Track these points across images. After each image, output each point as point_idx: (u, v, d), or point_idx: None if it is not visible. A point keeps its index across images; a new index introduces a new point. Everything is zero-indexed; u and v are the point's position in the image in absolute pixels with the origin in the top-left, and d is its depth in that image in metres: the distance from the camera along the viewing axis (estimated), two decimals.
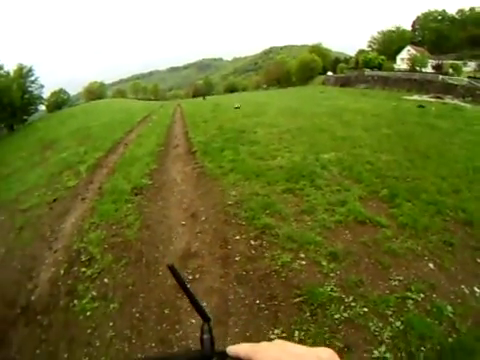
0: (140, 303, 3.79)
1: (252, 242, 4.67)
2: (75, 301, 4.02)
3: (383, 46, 69.51)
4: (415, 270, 3.93)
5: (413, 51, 57.42)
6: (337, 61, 71.59)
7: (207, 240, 4.95)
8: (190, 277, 4.08)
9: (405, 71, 47.96)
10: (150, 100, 69.93)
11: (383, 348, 2.88)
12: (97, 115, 30.09)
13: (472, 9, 69.76)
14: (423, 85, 34.48)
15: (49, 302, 4.17)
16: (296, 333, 3.07)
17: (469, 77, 39.56)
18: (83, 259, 4.87)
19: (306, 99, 27.66)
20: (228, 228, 5.14)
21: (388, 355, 2.81)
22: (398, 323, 3.13)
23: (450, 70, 48.60)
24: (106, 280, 4.29)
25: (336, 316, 3.21)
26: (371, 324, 3.12)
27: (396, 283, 3.69)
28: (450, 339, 2.98)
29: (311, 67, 63.15)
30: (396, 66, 56.93)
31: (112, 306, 3.80)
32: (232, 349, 0.55)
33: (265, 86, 70.96)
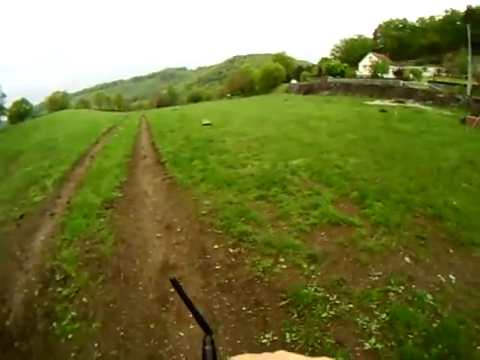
0: (123, 320, 3.63)
1: (231, 250, 4.68)
2: (54, 323, 3.74)
3: (345, 54, 71.59)
4: (392, 265, 4.13)
5: (375, 58, 59.20)
6: (300, 69, 73.26)
7: (185, 251, 4.89)
8: (171, 290, 3.99)
9: (367, 77, 49.58)
10: (114, 111, 68.53)
11: (373, 340, 3.00)
12: (61, 126, 29.39)
13: (432, 17, 73.54)
14: (385, 90, 35.88)
15: (26, 326, 3.87)
16: (287, 335, 3.10)
17: (429, 81, 41.94)
18: (58, 278, 4.57)
19: (271, 107, 28.10)
20: (205, 237, 5.12)
21: (379, 346, 2.93)
22: (383, 315, 3.27)
23: (411, 75, 50.99)
24: (85, 299, 4.06)
25: (323, 315, 3.28)
26: (358, 319, 3.23)
27: (376, 278, 3.85)
28: (434, 324, 3.17)
29: (275, 76, 64.20)
30: (358, 73, 58.80)
31: (94, 326, 3.60)
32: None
33: (229, 95, 71.24)
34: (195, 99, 77.14)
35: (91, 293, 4.16)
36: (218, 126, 16.48)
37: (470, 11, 62.73)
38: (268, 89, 62.23)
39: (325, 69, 58.40)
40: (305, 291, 3.62)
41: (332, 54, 76.36)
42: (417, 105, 27.64)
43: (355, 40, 75.16)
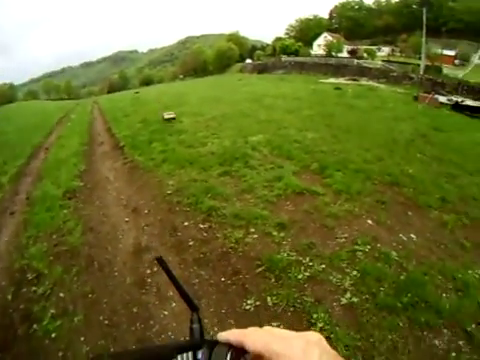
0: (105, 309, 3.58)
1: (201, 225, 4.77)
2: (34, 325, 3.55)
3: (300, 33, 72.52)
4: (357, 227, 4.44)
5: (329, 38, 60.81)
6: (254, 49, 73.27)
7: (155, 232, 4.91)
8: (148, 271, 4.03)
9: (322, 56, 50.37)
10: (63, 99, 65.02)
11: (348, 295, 3.27)
12: (11, 120, 27.21)
13: (388, 0, 76.33)
14: (339, 69, 36.74)
15: (6, 334, 3.60)
16: (268, 299, 3.28)
17: (383, 61, 43.57)
18: (30, 277, 4.34)
19: (225, 87, 27.93)
20: (174, 216, 5.17)
21: (354, 299, 3.21)
22: (354, 272, 3.55)
23: (365, 55, 52.61)
24: (61, 294, 3.91)
25: (299, 276, 3.50)
26: (332, 277, 3.49)
27: (343, 240, 4.14)
28: (402, 277, 3.51)
29: (228, 55, 63.77)
30: (313, 52, 59.47)
31: (76, 319, 3.50)
32: (223, 335, 0.54)
33: (182, 77, 69.84)
34: (147, 82, 75.03)
35: (67, 287, 4.03)
36: (173, 106, 16.14)
37: None
38: (222, 69, 61.74)
39: (279, 48, 58.89)
40: (278, 257, 3.81)
41: (287, 33, 77.18)
42: (371, 83, 28.53)
43: (310, 20, 76.43)
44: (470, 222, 4.96)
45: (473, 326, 3.02)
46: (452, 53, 56.50)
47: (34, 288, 4.11)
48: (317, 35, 65.21)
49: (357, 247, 3.98)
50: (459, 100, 19.55)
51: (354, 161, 6.84)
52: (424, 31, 34.72)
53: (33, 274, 4.37)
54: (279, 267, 3.65)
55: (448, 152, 8.38)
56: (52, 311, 3.66)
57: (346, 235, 4.25)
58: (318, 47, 61.29)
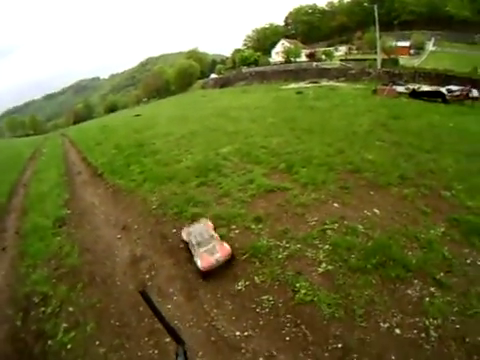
0: (114, 313, 3.98)
1: None
2: (49, 342, 3.82)
3: (258, 43, 74.18)
4: (325, 211, 5.14)
5: (287, 44, 61.91)
6: (214, 63, 74.23)
7: (147, 242, 5.41)
8: (147, 276, 4.51)
9: (281, 63, 52.02)
10: (30, 135, 63.46)
11: (324, 265, 3.93)
12: None
13: (341, 1, 78.10)
14: (299, 74, 38.31)
15: (21, 356, 3.86)
16: (256, 278, 3.91)
17: (341, 60, 45.33)
18: (36, 301, 4.60)
19: (190, 105, 28.47)
20: (162, 226, 5.69)
21: (329, 267, 3.88)
22: (327, 246, 4.23)
23: (323, 57, 54.06)
24: (71, 309, 4.24)
25: (279, 256, 4.14)
26: (307, 253, 4.15)
27: (314, 223, 4.81)
28: (369, 244, 4.21)
29: (189, 73, 64.39)
30: (272, 60, 60.88)
31: (89, 328, 3.84)
32: None
33: (145, 99, 69.42)
34: (112, 109, 74.10)
35: (75, 302, 4.35)
36: (143, 130, 16.73)
37: None
38: (184, 87, 62.16)
39: (239, 60, 59.97)
40: (259, 244, 4.45)
41: (245, 44, 78.56)
42: (331, 83, 29.82)
43: (266, 29, 77.93)
44: (429, 192, 5.72)
45: (442, 274, 3.68)
46: (407, 44, 58.32)
47: (42, 309, 4.40)
48: (275, 43, 66.57)
49: (326, 226, 4.65)
50: (416, 87, 20.56)
51: (317, 156, 7.56)
52: (377, 26, 36.35)
53: (39, 297, 4.65)
54: (261, 252, 4.28)
55: (406, 136, 9.21)
56: (64, 325, 3.99)
57: (316, 218, 4.92)
58: (277, 55, 62.56)
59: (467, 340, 2.96)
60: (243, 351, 3.13)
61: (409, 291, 3.50)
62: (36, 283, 5.01)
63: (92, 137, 19.93)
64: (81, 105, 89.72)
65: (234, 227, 5.06)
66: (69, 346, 3.68)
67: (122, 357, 3.41)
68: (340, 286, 3.59)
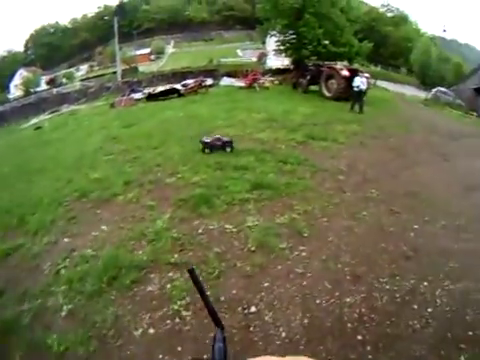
0: None
1: None
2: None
3: None
4: (56, 250, 4.78)
5: (25, 73, 54.77)
6: None
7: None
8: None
9: (21, 98, 45.52)
10: None
11: (65, 307, 3.57)
12: None
13: (85, 16, 74.26)
14: (39, 105, 34.28)
15: None
16: None
17: (82, 80, 43.29)
18: None
19: None
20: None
21: (70, 306, 3.56)
22: (63, 287, 3.90)
23: (64, 80, 51.04)
24: None
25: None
26: (48, 304, 3.69)
27: (48, 270, 4.40)
28: (99, 263, 4.08)
29: None
30: (11, 96, 52.27)
31: None
32: None
33: None
34: None
35: None
36: None
37: (121, 5, 68.83)
38: None
39: None
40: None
41: None
42: (72, 107, 28.21)
43: (5, 57, 65.58)
44: (154, 186, 6.13)
45: (176, 256, 4.03)
46: (147, 51, 62.13)
47: None
48: (13, 74, 57.41)
49: (59, 266, 4.25)
50: (151, 90, 21.83)
51: (47, 195, 6.66)
52: (116, 38, 36.48)
53: None
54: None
55: (135, 141, 9.51)
56: None
57: (49, 263, 4.42)
58: (16, 88, 54.47)
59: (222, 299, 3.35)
60: None
61: (150, 288, 3.58)
62: None
63: None
64: None
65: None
66: None
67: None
68: (84, 319, 3.35)
